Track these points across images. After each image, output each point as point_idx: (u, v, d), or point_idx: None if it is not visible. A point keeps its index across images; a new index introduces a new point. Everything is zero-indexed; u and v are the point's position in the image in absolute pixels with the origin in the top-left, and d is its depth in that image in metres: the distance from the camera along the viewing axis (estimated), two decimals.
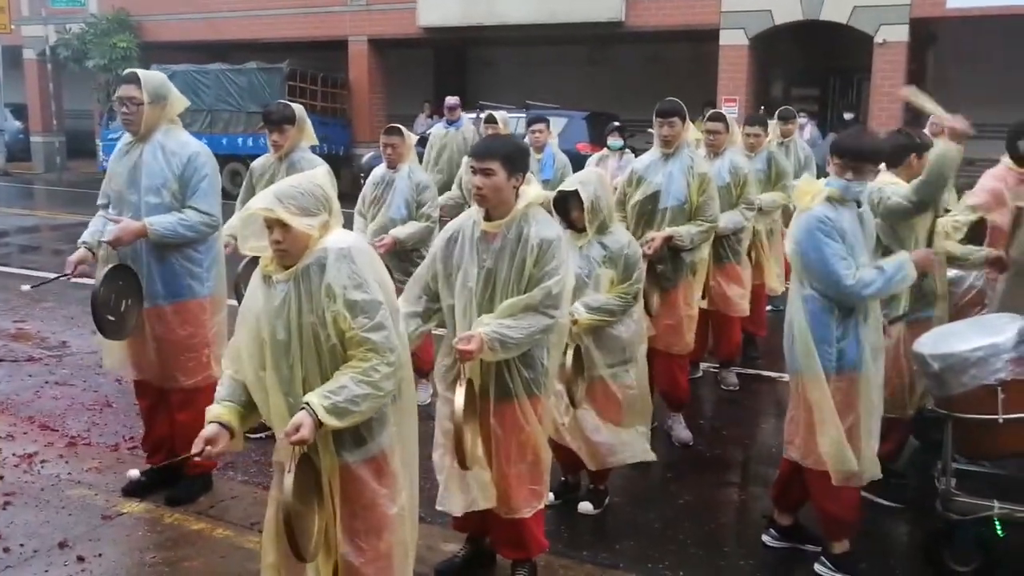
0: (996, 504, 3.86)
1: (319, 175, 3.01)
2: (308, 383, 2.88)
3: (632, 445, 4.47)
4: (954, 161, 4.31)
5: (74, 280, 4.64)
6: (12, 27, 23.76)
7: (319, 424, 2.75)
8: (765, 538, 4.37)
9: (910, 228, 4.52)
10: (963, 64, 17.51)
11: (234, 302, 4.95)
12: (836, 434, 3.81)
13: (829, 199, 3.82)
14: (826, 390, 3.81)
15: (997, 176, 5.13)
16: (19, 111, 26.22)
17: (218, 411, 2.98)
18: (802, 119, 16.68)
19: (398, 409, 3.03)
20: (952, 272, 4.99)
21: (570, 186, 4.33)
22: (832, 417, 3.81)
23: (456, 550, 4.08)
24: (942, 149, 4.30)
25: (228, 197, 4.74)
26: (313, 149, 5.73)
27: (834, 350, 3.81)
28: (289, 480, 2.76)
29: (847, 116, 17.66)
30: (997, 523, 3.89)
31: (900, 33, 16.03)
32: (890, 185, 4.49)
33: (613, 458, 4.45)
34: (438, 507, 3.73)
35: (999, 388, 3.74)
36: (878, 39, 16.10)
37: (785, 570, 4.21)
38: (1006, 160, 5.20)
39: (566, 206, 4.37)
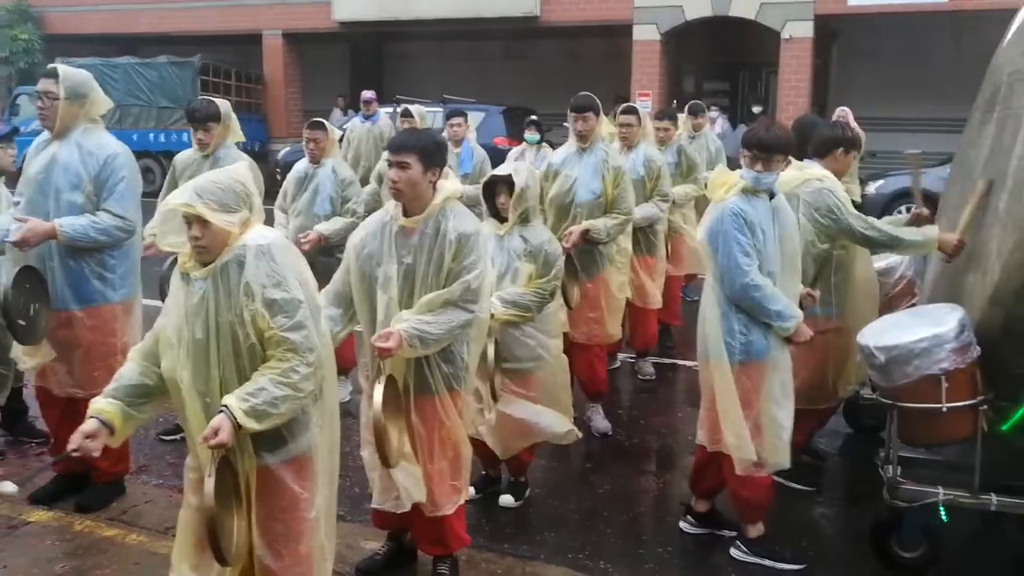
0: (941, 491, 3.95)
1: (240, 170, 2.95)
2: (226, 384, 2.83)
3: (553, 423, 4.47)
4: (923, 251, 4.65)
5: None
6: None
7: (238, 427, 2.71)
8: (683, 524, 4.45)
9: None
10: (864, 59, 18.12)
11: (159, 303, 4.83)
12: (738, 423, 3.89)
13: (743, 191, 3.89)
14: (730, 378, 3.89)
15: None
16: None
17: (101, 406, 2.91)
18: (713, 113, 17.04)
19: (320, 409, 2.99)
20: (883, 263, 5.10)
21: (503, 170, 4.36)
22: (734, 406, 3.90)
23: (377, 548, 4.05)
24: (925, 241, 4.48)
25: (144, 195, 4.59)
26: (240, 145, 5.62)
27: (740, 339, 3.89)
28: (210, 484, 2.70)
29: (756, 110, 18.06)
30: (942, 509, 3.99)
31: (805, 29, 16.48)
32: (843, 193, 4.57)
33: (533, 435, 4.45)
34: (375, 506, 3.67)
35: (943, 378, 3.81)
36: (784, 35, 16.53)
37: (703, 556, 4.30)
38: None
39: (494, 191, 4.38)
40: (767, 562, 4.11)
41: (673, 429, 6.01)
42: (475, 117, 11.87)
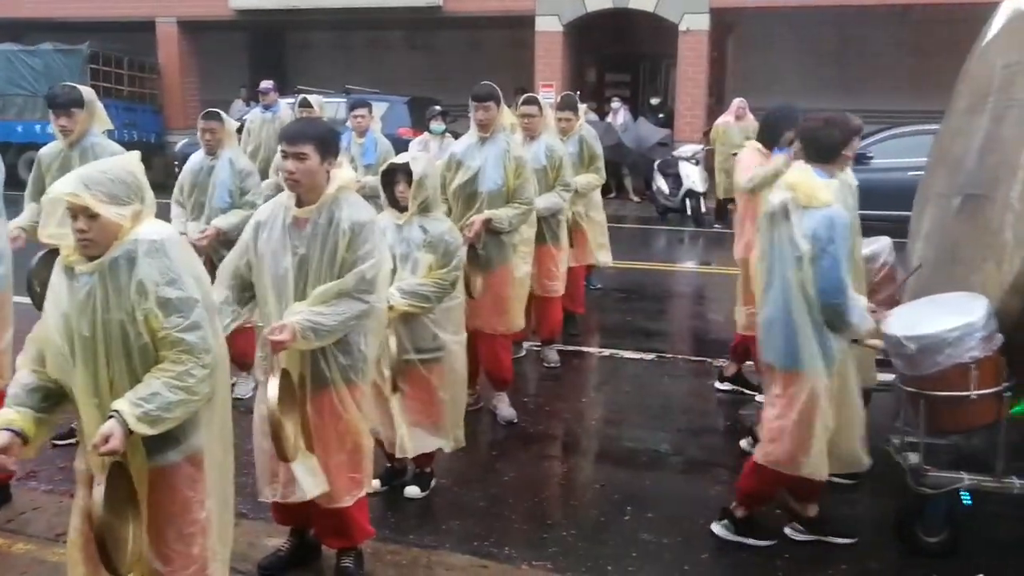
0: (965, 476, 4.00)
1: (132, 160, 2.82)
2: (117, 385, 2.71)
3: (442, 433, 4.48)
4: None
5: None
6: None
7: (129, 432, 2.61)
8: (788, 530, 4.33)
9: None
10: (759, 52, 18.61)
11: (25, 299, 4.64)
12: (823, 437, 3.86)
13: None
14: (828, 389, 3.82)
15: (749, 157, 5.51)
16: None
17: (10, 416, 2.75)
18: (615, 104, 17.33)
19: (212, 408, 2.90)
20: (867, 249, 5.11)
21: (401, 159, 4.32)
22: (827, 419, 3.84)
23: (280, 544, 3.98)
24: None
25: (15, 189, 4.39)
26: (124, 128, 5.40)
27: (835, 350, 3.83)
28: (99, 492, 2.60)
29: (654, 101, 18.45)
30: (963, 494, 4.07)
31: (702, 22, 16.84)
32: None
33: (422, 444, 4.45)
34: (271, 499, 3.61)
35: (972, 366, 3.85)
36: (682, 27, 16.86)
37: (605, 536, 4.36)
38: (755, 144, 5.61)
39: (393, 180, 4.34)
40: (828, 538, 4.19)
41: (578, 415, 6.07)
42: (379, 107, 11.77)
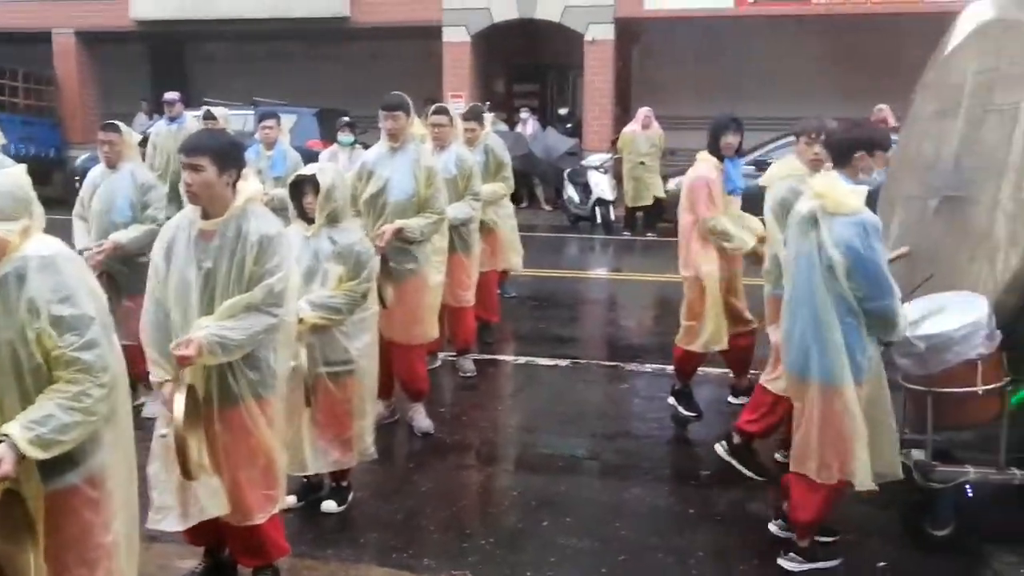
0: (971, 469, 4.12)
1: (18, 174, 2.71)
2: (6, 408, 2.59)
3: (349, 447, 4.44)
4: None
5: None
6: None
7: (22, 457, 2.50)
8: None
9: None
10: (663, 61, 18.98)
11: None
12: (864, 446, 3.82)
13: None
14: (857, 400, 3.77)
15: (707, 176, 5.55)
16: None
17: None
18: (524, 114, 17.47)
19: (114, 427, 2.79)
20: None
21: (309, 170, 4.28)
22: (862, 428, 3.80)
23: (193, 566, 3.89)
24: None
25: None
26: (21, 142, 5.20)
27: (870, 356, 3.81)
28: None
29: (562, 111, 18.63)
30: (967, 487, 4.20)
31: (607, 32, 17.12)
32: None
33: (334, 460, 4.41)
34: (151, 526, 3.48)
35: (979, 362, 3.96)
36: (588, 37, 17.10)
37: (524, 542, 4.38)
38: (706, 156, 5.64)
39: (301, 191, 4.29)
40: (819, 565, 4.08)
41: (495, 423, 6.08)
42: (288, 120, 11.60)
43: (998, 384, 4.04)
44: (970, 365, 3.99)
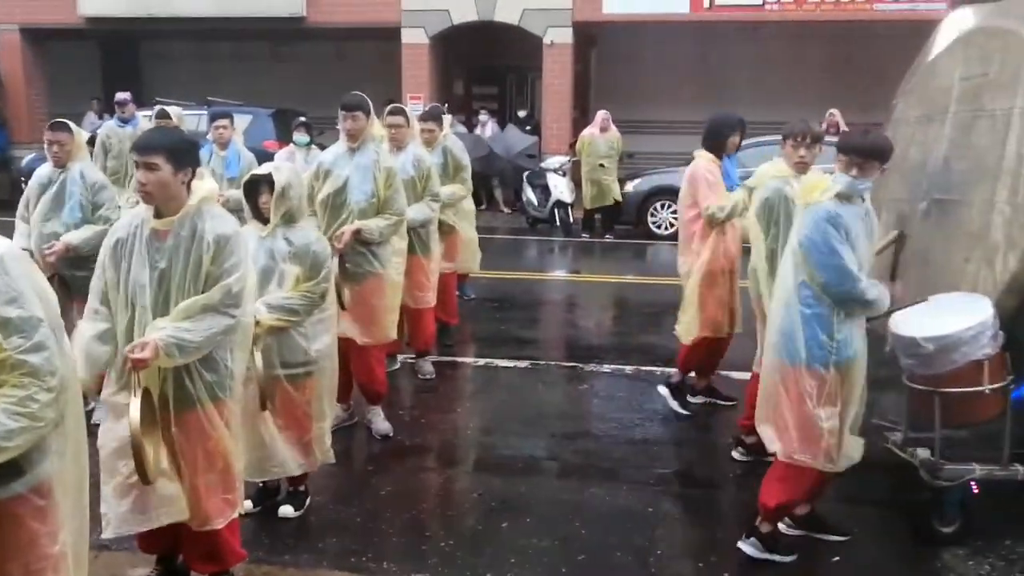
0: (977, 467, 4.20)
1: None
2: None
3: (309, 450, 4.37)
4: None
5: None
6: None
7: None
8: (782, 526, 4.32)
9: None
10: (621, 65, 19.09)
11: None
12: (832, 428, 3.90)
13: (837, 196, 3.86)
14: (826, 381, 3.87)
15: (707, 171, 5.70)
16: None
17: None
18: (483, 116, 17.46)
19: (61, 434, 2.67)
20: None
21: (264, 169, 4.23)
22: (827, 411, 3.89)
23: (145, 574, 3.81)
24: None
25: None
26: None
27: (835, 342, 3.86)
28: None
29: (521, 113, 18.67)
30: (972, 484, 4.27)
31: (565, 35, 17.17)
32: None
33: (279, 470, 4.33)
34: (110, 534, 3.42)
35: (985, 362, 4.06)
36: (546, 40, 17.14)
37: (483, 544, 4.36)
38: (704, 153, 5.79)
39: (256, 191, 4.24)
40: (775, 557, 4.15)
41: (454, 425, 6.05)
42: (243, 120, 11.48)
43: (1002, 383, 4.15)
44: (977, 365, 4.10)
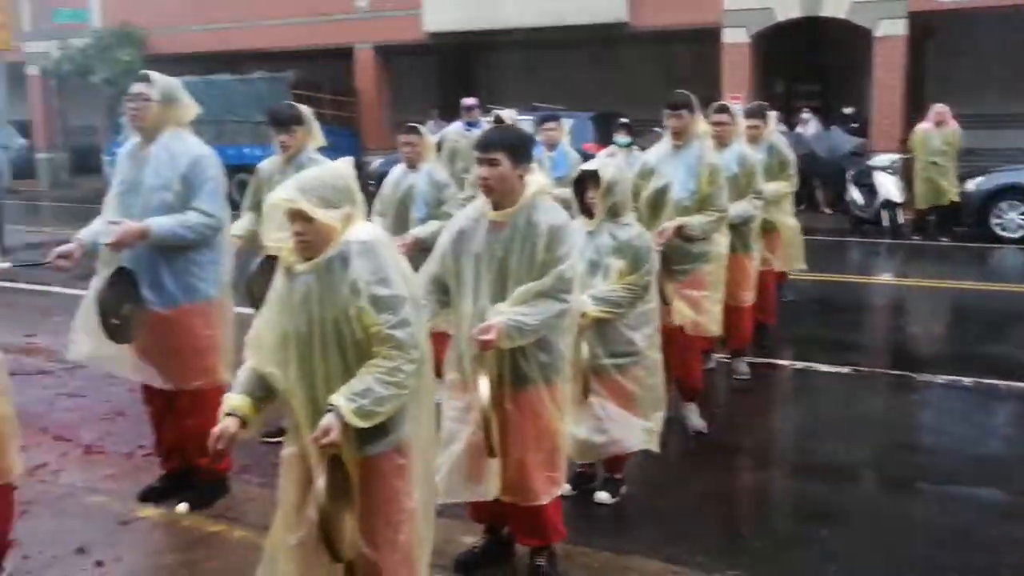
0: None
1: (342, 167, 2.99)
2: (331, 379, 2.85)
3: (631, 436, 4.42)
4: None
5: (76, 292, 4.51)
6: (14, 44, 23.75)
7: (345, 426, 2.75)
8: None
9: None
10: (961, 57, 17.54)
11: (242, 310, 4.94)
12: None
13: None
14: None
15: None
16: (23, 128, 26.26)
17: (235, 402, 2.96)
18: (805, 114, 16.80)
19: (418, 401, 3.01)
20: None
21: (591, 166, 4.37)
22: None
23: (475, 542, 4.07)
24: None
25: (237, 208, 4.68)
26: (322, 151, 5.66)
27: None
28: (321, 482, 2.76)
29: (847, 111, 17.70)
30: None
31: (898, 27, 16.08)
32: None
33: (612, 448, 4.42)
34: (447, 500, 3.67)
35: None
36: (877, 33, 16.13)
37: (801, 549, 4.22)
38: None
39: (584, 187, 4.39)
40: None
41: (770, 428, 5.91)
42: (565, 123, 11.86)
43: None
44: None
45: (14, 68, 24.68)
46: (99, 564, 4.06)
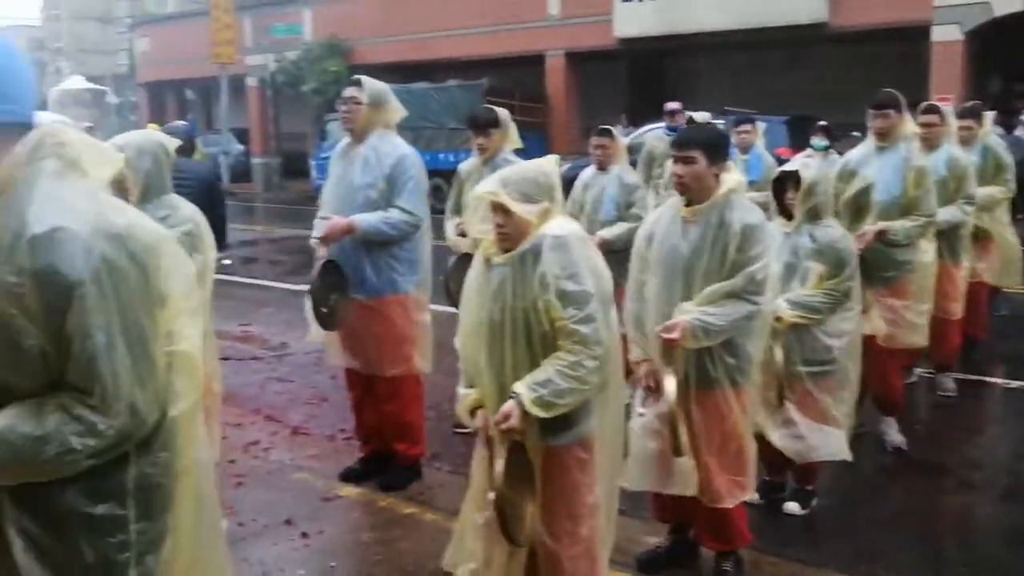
0: None
1: (547, 163, 3.07)
2: (518, 367, 2.93)
3: (827, 443, 4.26)
4: None
5: (286, 286, 4.82)
6: (236, 58, 25.72)
7: (526, 414, 2.83)
8: None
9: None
10: None
11: (438, 307, 5.13)
12: None
13: None
14: None
15: None
16: (241, 135, 28.38)
17: (471, 401, 3.10)
18: None
19: (604, 397, 3.04)
20: None
21: (791, 166, 4.29)
22: None
23: (658, 542, 4.06)
24: None
25: (432, 212, 4.89)
26: (518, 153, 5.81)
27: None
28: (500, 466, 2.84)
29: None
30: None
31: None
32: None
33: (810, 455, 4.28)
34: (625, 484, 3.61)
35: None
36: None
37: None
38: None
39: (783, 188, 4.31)
40: None
41: (978, 448, 5.55)
42: (758, 127, 11.57)
43: None
44: None
45: (236, 80, 26.75)
46: (304, 535, 4.36)
